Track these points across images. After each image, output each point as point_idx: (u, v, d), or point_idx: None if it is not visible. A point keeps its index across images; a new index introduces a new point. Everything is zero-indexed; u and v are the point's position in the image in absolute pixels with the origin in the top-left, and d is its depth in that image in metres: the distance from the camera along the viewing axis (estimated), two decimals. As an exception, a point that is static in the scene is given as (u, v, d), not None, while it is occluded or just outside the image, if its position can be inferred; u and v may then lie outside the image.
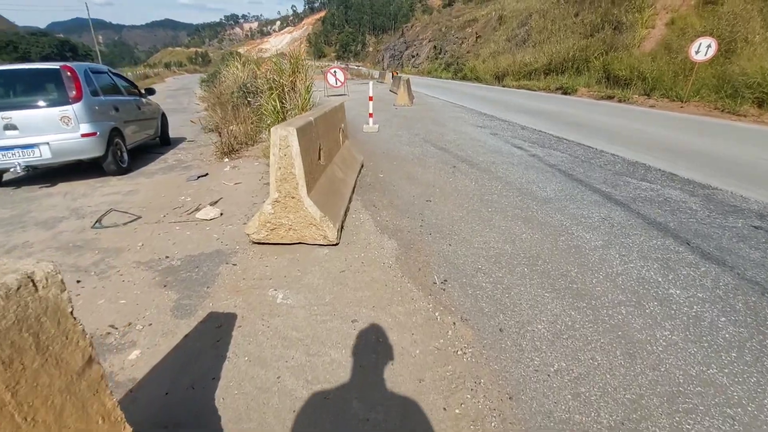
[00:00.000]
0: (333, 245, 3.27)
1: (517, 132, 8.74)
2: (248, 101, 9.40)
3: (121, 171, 5.77)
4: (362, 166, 5.71)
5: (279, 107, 7.54)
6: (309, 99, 8.05)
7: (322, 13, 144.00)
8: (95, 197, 4.83)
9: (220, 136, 6.47)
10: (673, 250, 3.31)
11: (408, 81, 14.50)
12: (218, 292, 2.69)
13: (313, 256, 3.12)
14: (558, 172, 5.60)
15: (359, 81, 32.87)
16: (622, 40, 21.67)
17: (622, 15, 23.02)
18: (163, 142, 8.20)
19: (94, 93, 5.62)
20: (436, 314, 2.44)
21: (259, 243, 3.29)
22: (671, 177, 5.42)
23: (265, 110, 7.49)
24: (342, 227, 3.56)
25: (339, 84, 16.37)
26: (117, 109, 5.96)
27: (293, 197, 3.07)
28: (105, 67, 6.54)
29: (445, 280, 2.82)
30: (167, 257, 3.21)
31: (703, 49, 13.98)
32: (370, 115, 9.00)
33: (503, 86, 26.73)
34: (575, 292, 2.68)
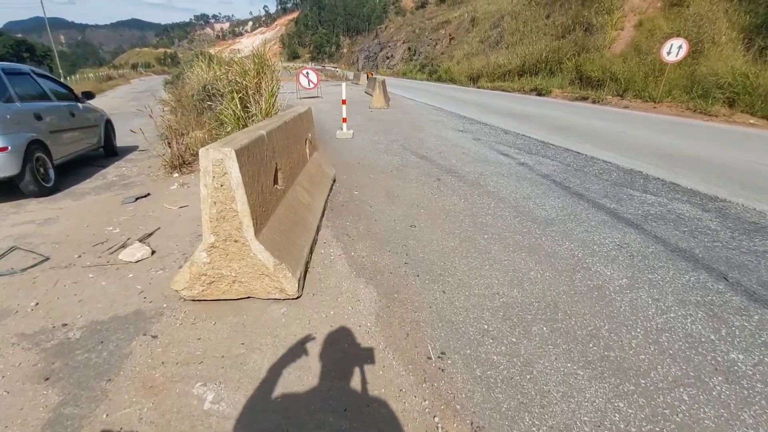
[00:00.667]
0: (293, 299, 2.46)
1: (500, 137, 8.12)
2: (209, 105, 8.42)
3: (44, 191, 4.74)
4: (334, 181, 4.91)
5: (240, 112, 6.63)
6: (274, 103, 7.17)
7: (295, 14, 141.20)
8: (2, 229, 3.83)
9: (170, 146, 5.52)
10: (712, 290, 2.67)
11: (383, 83, 13.73)
12: (122, 389, 1.84)
13: (266, 319, 2.30)
14: (553, 184, 4.95)
15: (334, 82, 31.91)
16: (593, 42, 21.66)
17: (592, 17, 23.05)
18: (108, 153, 7.12)
19: (7, 99, 4.59)
20: (435, 419, 1.68)
21: (194, 300, 2.45)
22: (673, 188, 4.87)
23: (224, 116, 6.55)
24: (306, 270, 2.76)
25: (312, 86, 15.46)
26: (40, 118, 4.92)
27: (236, 241, 2.25)
28: (27, 68, 5.46)
29: (443, 353, 2.06)
30: (65, 325, 2.32)
31: (674, 50, 13.89)
32: (344, 119, 8.18)
33: (478, 87, 26.41)
34: (615, 366, 1.98)
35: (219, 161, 2.09)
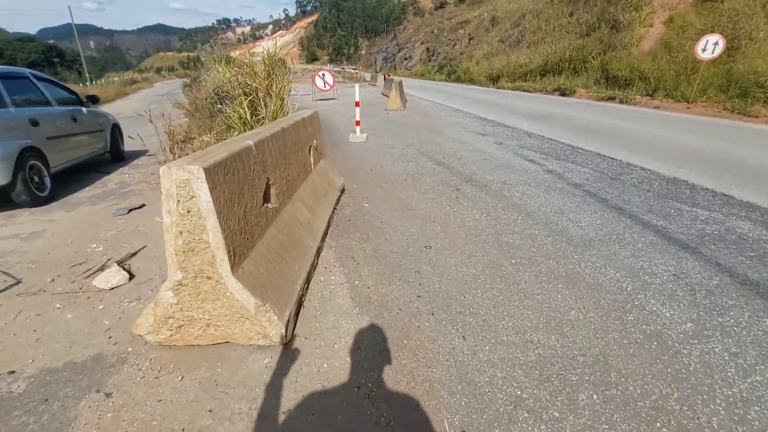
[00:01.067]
0: (281, 344, 2.03)
1: (523, 140, 7.54)
2: (219, 109, 8.14)
3: (38, 201, 4.47)
4: (342, 191, 4.47)
5: (248, 116, 6.28)
6: (282, 106, 6.81)
7: (314, 17, 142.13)
8: (-15, 243, 3.54)
9: (172, 153, 5.20)
10: (805, 340, 2.10)
11: (400, 84, 13.26)
12: (51, 476, 1.44)
13: (244, 374, 1.87)
14: (588, 195, 4.38)
15: (351, 84, 31.69)
16: (620, 39, 20.70)
17: (618, 13, 22.05)
18: (114, 158, 6.90)
19: (1, 105, 4.34)
20: None
21: (163, 344, 2.04)
22: (726, 200, 4.24)
23: (230, 120, 6.21)
24: (300, 306, 2.32)
25: (328, 87, 15.14)
26: (36, 124, 4.66)
27: (209, 277, 1.83)
28: (26, 71, 5.23)
29: (464, 432, 1.59)
30: (11, 372, 1.95)
31: (710, 47, 13.00)
32: (357, 123, 7.75)
33: (498, 88, 25.69)
34: (698, 461, 1.47)
35: (184, 182, 1.67)
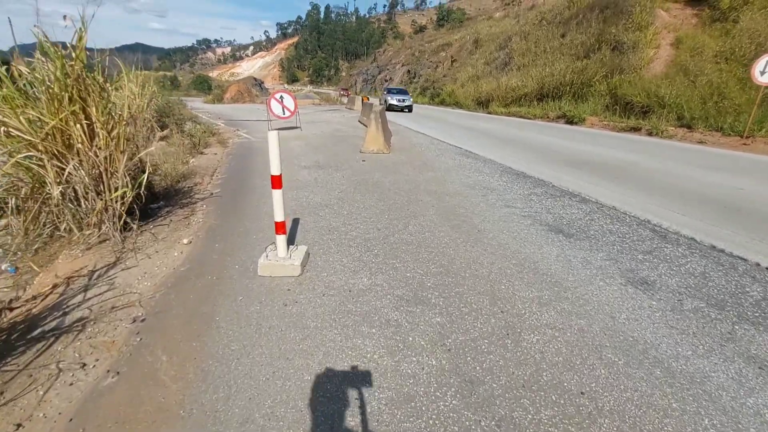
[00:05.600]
0: None
1: (627, 240, 3.63)
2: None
3: None
4: None
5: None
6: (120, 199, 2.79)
7: (295, 39, 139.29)
8: None
9: None
10: None
11: (382, 113, 9.11)
12: None
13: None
14: None
15: (328, 107, 27.80)
16: (627, 62, 17.68)
17: (621, 34, 19.15)
18: None
19: None
20: None
21: None
22: None
23: None
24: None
25: (287, 113, 10.96)
26: None
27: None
28: None
29: None
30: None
31: (769, 69, 9.87)
32: (279, 227, 2.96)
33: (489, 113, 22.39)
34: None
35: None
